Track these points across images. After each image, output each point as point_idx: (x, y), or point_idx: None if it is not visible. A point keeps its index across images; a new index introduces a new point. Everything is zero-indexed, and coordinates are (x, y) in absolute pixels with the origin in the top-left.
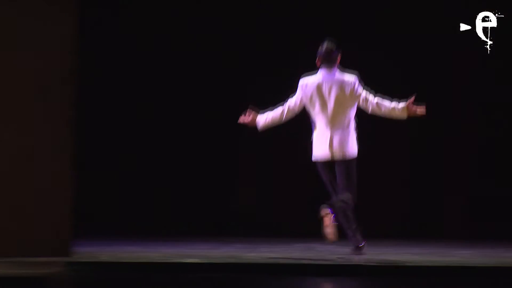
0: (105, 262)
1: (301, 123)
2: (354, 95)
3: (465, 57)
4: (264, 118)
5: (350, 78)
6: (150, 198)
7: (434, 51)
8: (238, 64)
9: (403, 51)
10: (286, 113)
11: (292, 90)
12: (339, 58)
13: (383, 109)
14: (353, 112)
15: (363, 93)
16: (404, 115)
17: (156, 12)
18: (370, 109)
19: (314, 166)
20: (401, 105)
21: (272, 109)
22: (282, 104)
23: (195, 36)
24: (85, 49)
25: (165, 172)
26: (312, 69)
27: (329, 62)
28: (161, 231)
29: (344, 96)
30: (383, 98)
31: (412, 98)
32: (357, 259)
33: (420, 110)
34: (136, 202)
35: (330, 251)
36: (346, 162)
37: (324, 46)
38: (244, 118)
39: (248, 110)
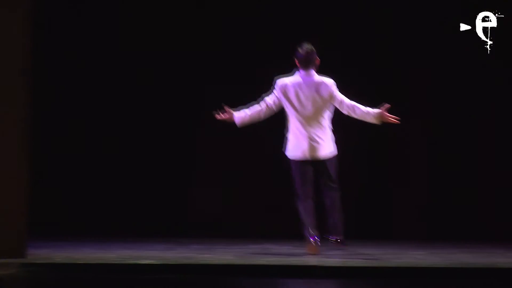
0: (60, 263)
1: (260, 124)
2: (332, 97)
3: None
4: (242, 115)
5: (328, 80)
6: (105, 199)
7: (433, 52)
8: (195, 64)
9: (401, 52)
10: (265, 112)
11: (250, 89)
12: (317, 61)
13: (358, 112)
14: (330, 113)
15: (340, 95)
16: (377, 121)
17: (117, 10)
18: (345, 111)
19: (282, 163)
20: (376, 111)
21: (248, 107)
22: (257, 103)
23: (151, 34)
24: (45, 48)
25: (121, 172)
26: (278, 68)
27: (308, 63)
28: (117, 232)
29: (322, 98)
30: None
31: (386, 106)
32: (312, 260)
33: (394, 118)
34: (92, 203)
35: (285, 253)
36: (327, 161)
37: (304, 48)
38: (221, 115)
39: (223, 107)
